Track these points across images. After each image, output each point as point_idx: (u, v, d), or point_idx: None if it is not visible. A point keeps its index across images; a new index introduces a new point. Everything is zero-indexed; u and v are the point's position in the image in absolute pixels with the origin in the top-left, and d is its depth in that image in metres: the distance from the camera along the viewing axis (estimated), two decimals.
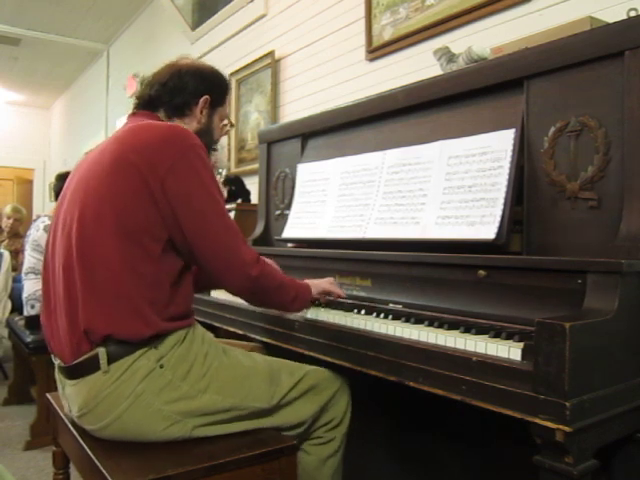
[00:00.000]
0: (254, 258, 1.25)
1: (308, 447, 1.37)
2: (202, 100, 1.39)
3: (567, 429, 0.86)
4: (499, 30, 1.99)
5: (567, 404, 0.86)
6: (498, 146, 1.33)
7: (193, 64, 1.43)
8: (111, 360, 1.14)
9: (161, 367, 1.16)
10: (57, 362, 1.27)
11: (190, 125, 1.38)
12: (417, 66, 2.31)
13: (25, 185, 10.16)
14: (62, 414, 1.36)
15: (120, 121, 1.42)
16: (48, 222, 2.91)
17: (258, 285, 1.26)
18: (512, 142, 1.30)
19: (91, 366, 1.15)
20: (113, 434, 1.18)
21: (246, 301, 1.38)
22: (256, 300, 1.38)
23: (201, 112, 1.40)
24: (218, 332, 1.67)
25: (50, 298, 1.26)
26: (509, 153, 1.30)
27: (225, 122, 1.50)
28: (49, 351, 1.30)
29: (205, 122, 1.42)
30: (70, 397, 1.23)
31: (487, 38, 1.96)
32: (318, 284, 1.48)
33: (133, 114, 1.38)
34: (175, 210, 1.16)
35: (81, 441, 1.21)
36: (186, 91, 1.37)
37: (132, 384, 1.14)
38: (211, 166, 1.27)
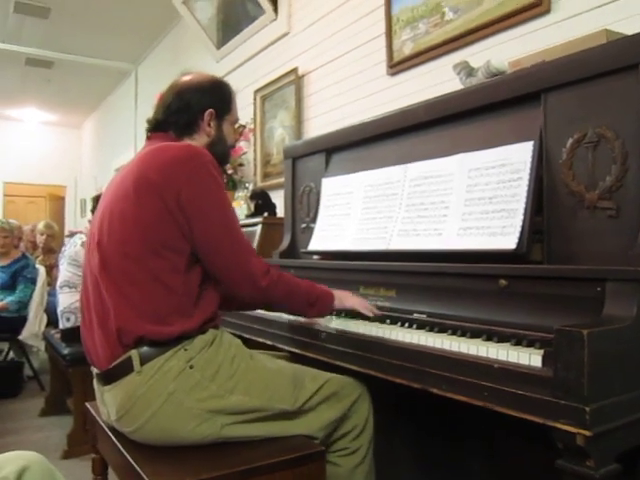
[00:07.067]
0: (263, 269, 1.32)
1: (336, 459, 1.39)
2: (207, 114, 1.44)
3: (587, 433, 0.88)
4: (517, 43, 2.02)
5: (587, 409, 0.88)
6: (517, 158, 1.36)
7: (191, 81, 1.46)
8: (143, 361, 1.22)
9: (191, 368, 1.23)
10: (95, 371, 1.35)
11: (200, 140, 1.44)
12: (437, 80, 2.35)
13: (57, 202, 10.46)
14: (101, 421, 1.42)
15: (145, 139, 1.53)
16: (85, 238, 3.02)
17: (268, 295, 1.34)
18: (531, 154, 1.33)
19: (125, 368, 1.23)
20: (149, 434, 1.24)
21: (260, 309, 1.45)
22: (268, 308, 1.48)
23: (209, 125, 1.45)
24: (248, 344, 1.72)
25: (86, 311, 1.35)
26: (528, 165, 1.33)
27: (237, 125, 1.55)
28: (88, 362, 1.37)
29: (215, 134, 1.46)
30: (108, 402, 1.30)
31: (505, 51, 1.99)
32: (346, 298, 1.50)
33: (149, 138, 1.46)
34: (190, 223, 1.25)
35: (120, 446, 1.27)
36: (190, 109, 1.42)
37: (164, 383, 1.21)
38: (222, 181, 1.34)
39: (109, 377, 1.27)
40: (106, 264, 1.26)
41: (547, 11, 1.94)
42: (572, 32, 1.76)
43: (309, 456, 1.23)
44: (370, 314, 1.48)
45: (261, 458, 1.19)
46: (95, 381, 1.36)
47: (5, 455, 1.05)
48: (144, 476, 1.11)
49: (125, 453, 1.23)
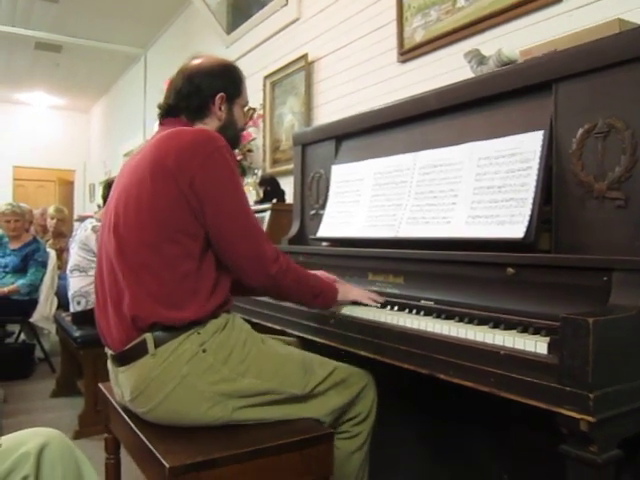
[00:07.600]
0: (273, 256, 1.33)
1: (336, 441, 1.41)
2: (218, 98, 1.44)
3: (591, 419, 0.90)
4: (528, 32, 2.01)
5: (591, 395, 0.90)
6: (527, 147, 1.37)
7: (202, 64, 1.46)
8: (158, 344, 1.25)
9: (204, 351, 1.26)
10: (109, 352, 1.38)
11: (212, 124, 1.45)
12: (448, 67, 2.34)
13: (66, 186, 10.53)
14: (114, 402, 1.46)
15: (157, 124, 1.54)
16: (96, 223, 3.07)
17: (276, 282, 1.35)
18: (541, 143, 1.34)
19: (140, 350, 1.26)
20: (162, 415, 1.27)
21: (267, 296, 1.45)
22: (275, 295, 1.47)
23: (220, 109, 1.45)
24: (256, 328, 1.75)
25: (101, 294, 1.38)
26: (538, 154, 1.34)
27: (247, 108, 1.55)
28: (102, 343, 1.40)
29: (226, 117, 1.47)
30: (122, 383, 1.33)
31: (517, 40, 1.99)
32: (349, 292, 1.52)
33: (161, 123, 1.47)
34: (203, 208, 1.26)
35: (133, 426, 1.30)
36: (200, 93, 1.43)
37: (178, 366, 1.24)
38: (236, 166, 1.35)
39: (123, 359, 1.30)
40: (122, 250, 1.28)
41: None
42: (584, 21, 1.76)
43: (317, 438, 1.26)
44: (373, 304, 1.51)
45: (270, 439, 1.22)
46: (109, 362, 1.39)
47: (24, 432, 1.08)
48: (157, 454, 1.14)
49: (138, 432, 1.27)
